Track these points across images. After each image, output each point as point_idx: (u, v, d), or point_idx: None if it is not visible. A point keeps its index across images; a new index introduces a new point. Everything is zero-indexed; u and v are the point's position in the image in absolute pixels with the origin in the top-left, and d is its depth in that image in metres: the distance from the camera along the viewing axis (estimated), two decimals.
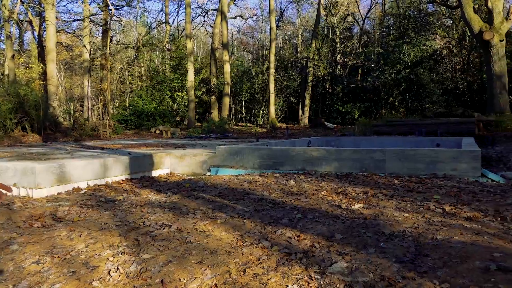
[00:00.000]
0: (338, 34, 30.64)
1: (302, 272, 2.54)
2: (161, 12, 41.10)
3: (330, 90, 29.62)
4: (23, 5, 24.33)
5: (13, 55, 21.46)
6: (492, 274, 2.29)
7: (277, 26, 31.49)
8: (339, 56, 30.67)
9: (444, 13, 25.86)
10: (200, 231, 3.37)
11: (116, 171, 6.27)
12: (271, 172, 6.37)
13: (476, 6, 20.27)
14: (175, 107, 26.03)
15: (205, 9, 35.96)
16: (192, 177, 6.59)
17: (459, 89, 24.98)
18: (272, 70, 25.39)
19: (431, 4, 25.79)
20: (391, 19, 29.38)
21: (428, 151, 5.94)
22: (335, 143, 11.50)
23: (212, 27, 30.79)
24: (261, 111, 31.32)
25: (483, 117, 14.40)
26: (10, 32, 21.73)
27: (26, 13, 26.51)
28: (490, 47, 16.15)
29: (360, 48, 30.28)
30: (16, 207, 4.44)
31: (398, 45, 24.15)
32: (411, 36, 24.23)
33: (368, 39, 32.62)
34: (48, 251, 3.12)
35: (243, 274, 2.56)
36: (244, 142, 10.58)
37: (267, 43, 36.23)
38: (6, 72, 20.44)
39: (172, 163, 7.34)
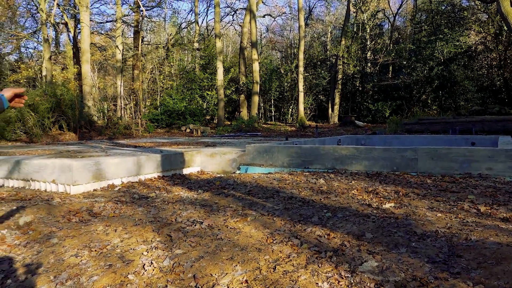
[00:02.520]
0: (368, 31, 30.17)
1: (332, 270, 2.54)
2: (191, 12, 41.59)
3: (360, 88, 29.22)
4: (59, 8, 25.24)
5: (50, 56, 22.26)
6: None
7: (306, 24, 31.32)
8: (369, 53, 30.20)
9: (479, 7, 25.00)
10: (230, 228, 3.42)
11: (149, 168, 6.43)
12: (300, 170, 6.38)
13: None
14: (205, 106, 26.34)
15: (234, 9, 36.23)
16: (222, 175, 6.68)
17: (495, 86, 24.12)
18: (301, 69, 25.27)
19: None
20: (423, 14, 28.66)
21: (462, 150, 5.79)
22: (365, 142, 11.35)
23: (241, 26, 30.94)
24: (290, 110, 31.25)
25: None
26: (47, 35, 22.55)
27: (62, 16, 27.50)
28: None
29: (391, 45, 29.70)
30: (55, 202, 4.64)
31: (431, 41, 23.54)
32: (445, 32, 23.55)
33: (399, 36, 31.95)
34: (85, 245, 3.25)
35: (273, 271, 2.59)
36: (273, 141, 10.61)
37: (295, 41, 36.09)
38: (44, 73, 21.24)
39: (203, 161, 7.45)
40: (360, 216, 3.58)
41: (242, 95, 26.79)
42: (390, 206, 3.88)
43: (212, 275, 2.59)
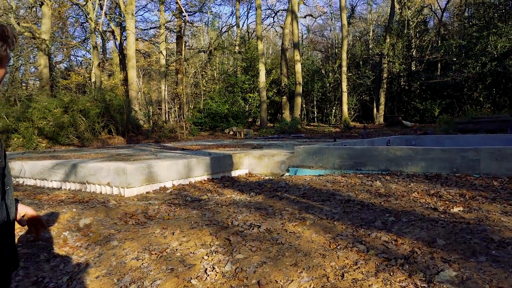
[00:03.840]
0: (413, 28, 29.17)
1: (406, 279, 2.37)
2: (231, 16, 41.96)
3: (406, 87, 28.29)
4: (106, 17, 26.21)
5: (99, 63, 23.12)
6: None
7: (348, 23, 30.73)
8: (414, 51, 29.18)
9: None
10: (290, 232, 3.31)
11: (199, 171, 6.44)
12: (352, 172, 6.17)
13: None
14: (247, 108, 26.43)
15: (275, 10, 36.12)
16: (272, 178, 6.58)
17: None
18: (344, 68, 24.80)
19: None
20: (473, 8, 27.35)
21: None
22: (416, 142, 10.90)
23: (282, 27, 30.82)
24: (333, 110, 30.77)
25: None
26: (96, 42, 23.45)
27: (109, 24, 28.55)
28: None
29: (439, 41, 28.56)
30: (111, 205, 4.71)
31: (483, 36, 22.38)
32: (498, 25, 22.31)
33: (445, 32, 30.66)
34: (145, 248, 3.24)
35: (342, 278, 2.45)
36: (319, 142, 10.40)
37: (337, 41, 35.52)
38: (93, 79, 22.06)
39: (251, 164, 7.39)
40: (427, 221, 3.36)
41: (284, 97, 26.65)
42: (459, 211, 3.62)
43: (277, 281, 2.49)
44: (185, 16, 26.65)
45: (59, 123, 14.11)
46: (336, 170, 6.46)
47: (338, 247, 2.92)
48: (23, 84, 28.95)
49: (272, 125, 25.52)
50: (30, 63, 26.66)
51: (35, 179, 6.67)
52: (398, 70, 27.87)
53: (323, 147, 6.98)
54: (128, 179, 5.33)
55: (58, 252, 3.38)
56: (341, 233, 3.21)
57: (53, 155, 8.54)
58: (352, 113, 29.34)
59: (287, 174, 6.87)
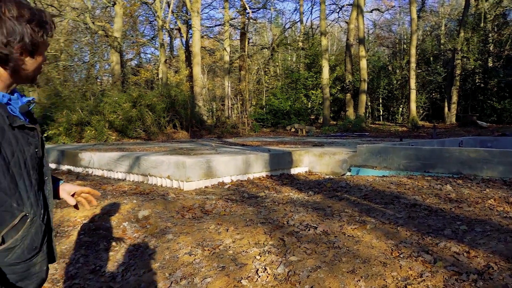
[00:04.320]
0: (491, 21, 27.02)
1: None
2: (295, 12, 41.56)
3: (482, 85, 26.31)
4: (173, 15, 27.12)
5: (166, 60, 23.95)
6: None
7: (418, 17, 29.17)
8: (492, 46, 27.03)
9: None
10: (348, 235, 3.11)
11: (257, 167, 6.37)
12: (419, 174, 5.77)
13: None
14: (309, 105, 26.05)
15: (339, 5, 35.21)
16: (332, 177, 6.35)
17: None
18: (412, 65, 23.57)
19: None
20: None
21: None
22: (493, 144, 10.04)
23: (347, 22, 29.99)
24: (400, 109, 29.42)
25: None
26: (162, 40, 24.32)
27: (176, 22, 29.51)
28: None
29: None
30: (170, 198, 4.78)
31: None
32: None
33: None
34: (198, 243, 3.21)
35: None
36: (385, 141, 9.93)
37: (405, 36, 33.92)
38: (160, 75, 22.90)
39: (311, 161, 7.20)
40: (505, 232, 3.00)
41: (348, 94, 25.92)
42: None
43: None
44: (248, 12, 26.84)
45: (128, 117, 14.78)
46: (402, 172, 6.08)
47: (401, 256, 2.68)
48: (98, 80, 30.75)
49: (335, 123, 24.95)
50: (104, 60, 28.27)
51: (103, 170, 6.98)
52: (473, 66, 25.99)
53: (388, 146, 6.61)
54: (187, 172, 5.38)
55: (117, 242, 3.45)
56: (405, 240, 2.96)
57: (120, 147, 8.93)
58: (421, 111, 27.85)
59: (348, 173, 6.60)
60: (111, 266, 3.08)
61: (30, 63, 1.17)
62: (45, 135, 12.94)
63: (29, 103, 1.22)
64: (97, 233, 3.61)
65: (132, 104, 15.36)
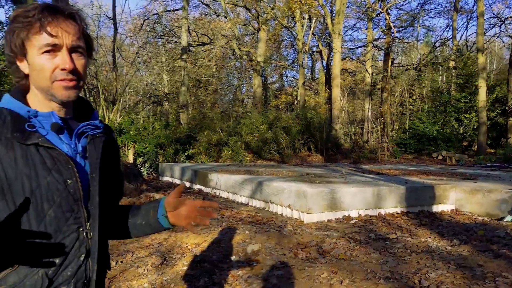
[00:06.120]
0: None
1: None
2: (447, 29, 38.15)
3: None
4: (314, 37, 27.30)
5: (304, 82, 24.10)
6: None
7: None
8: None
9: None
10: None
11: (390, 201, 5.56)
12: None
13: None
14: (461, 131, 23.20)
15: (502, 18, 31.00)
16: (486, 221, 5.16)
17: None
18: None
19: None
20: None
21: None
22: None
23: (510, 37, 26.18)
24: None
25: None
26: (302, 62, 24.56)
27: (317, 45, 29.64)
28: None
29: None
30: (286, 231, 4.36)
31: None
32: None
33: None
34: None
35: None
36: None
37: None
38: (298, 98, 23.07)
39: (458, 199, 6.04)
40: None
41: (511, 118, 22.35)
42: None
43: None
44: (393, 32, 25.45)
45: (264, 139, 15.02)
46: None
47: None
48: (243, 102, 32.59)
49: (493, 151, 21.67)
50: (248, 83, 29.87)
51: (228, 192, 6.96)
52: None
53: None
54: (308, 203, 4.91)
55: (218, 279, 3.15)
56: None
57: (249, 169, 8.90)
58: None
59: (509, 218, 5.30)
60: None
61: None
62: (186, 153, 13.86)
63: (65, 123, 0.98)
64: (201, 265, 3.38)
65: (268, 126, 15.60)
